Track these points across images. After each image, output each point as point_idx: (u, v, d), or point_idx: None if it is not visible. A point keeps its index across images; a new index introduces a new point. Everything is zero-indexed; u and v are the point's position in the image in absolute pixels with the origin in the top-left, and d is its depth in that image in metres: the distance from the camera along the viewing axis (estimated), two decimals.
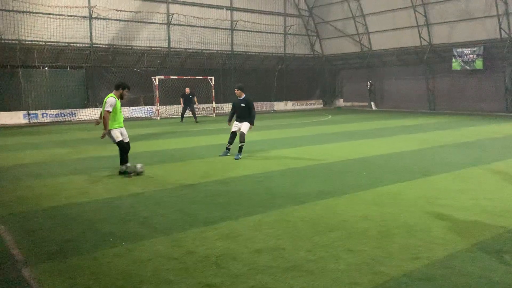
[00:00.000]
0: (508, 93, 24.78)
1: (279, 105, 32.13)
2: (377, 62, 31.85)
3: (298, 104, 33.30)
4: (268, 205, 6.25)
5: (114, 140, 8.63)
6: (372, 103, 31.98)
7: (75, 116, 23.31)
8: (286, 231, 5.10)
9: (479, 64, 25.22)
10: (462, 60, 26.03)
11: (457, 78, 27.04)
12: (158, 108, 24.75)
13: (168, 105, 25.86)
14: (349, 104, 35.19)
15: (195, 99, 21.99)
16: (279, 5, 32.52)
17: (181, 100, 21.82)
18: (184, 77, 25.24)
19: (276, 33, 32.31)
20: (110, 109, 8.39)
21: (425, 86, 28.60)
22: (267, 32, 31.59)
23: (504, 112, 24.63)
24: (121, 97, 8.71)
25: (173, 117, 25.12)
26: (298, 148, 12.21)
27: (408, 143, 12.95)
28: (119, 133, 8.66)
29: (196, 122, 21.52)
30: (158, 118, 24.43)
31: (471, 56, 25.65)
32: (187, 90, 21.59)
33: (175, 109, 25.80)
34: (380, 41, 30.80)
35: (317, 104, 34.50)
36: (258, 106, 30.72)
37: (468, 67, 25.73)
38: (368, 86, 31.89)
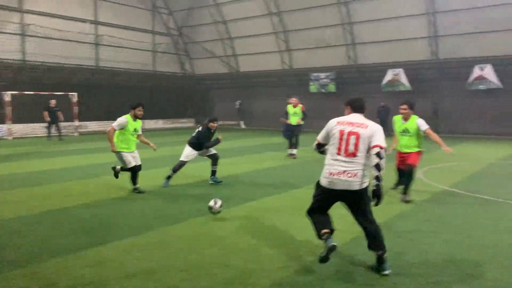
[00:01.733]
0: None
1: (150, 123, 31.32)
2: (245, 83, 33.32)
3: (170, 123, 32.97)
4: (141, 227, 6.06)
5: (124, 165, 8.32)
6: (241, 122, 33.26)
7: None
8: (159, 253, 5.01)
9: (332, 87, 28.15)
10: (318, 84, 28.76)
11: (315, 100, 29.69)
12: (10, 126, 22.19)
13: (23, 123, 23.36)
14: (220, 122, 35.83)
15: (60, 113, 20.23)
16: (148, 23, 32.08)
17: (46, 114, 19.77)
18: (42, 92, 23.10)
19: (146, 50, 31.73)
20: (116, 126, 8.12)
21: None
22: (136, 49, 30.81)
23: None
24: (136, 117, 8.30)
25: (28, 137, 22.76)
26: (167, 168, 12.05)
27: (275, 160, 13.75)
28: (131, 157, 8.27)
29: (61, 140, 19.82)
30: (11, 138, 21.89)
31: (325, 80, 28.52)
32: (53, 102, 19.69)
33: (31, 128, 23.42)
34: (247, 63, 32.36)
35: (189, 123, 34.58)
36: None
37: (323, 90, 28.49)
38: (238, 106, 33.13)
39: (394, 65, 25.73)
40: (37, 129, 23.46)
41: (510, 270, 4.53)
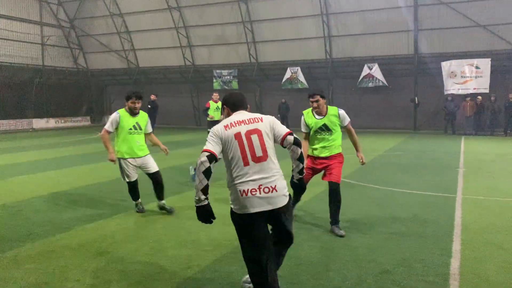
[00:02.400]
0: (257, 110, 28.75)
1: (39, 123, 28.89)
2: (145, 79, 32.22)
3: (63, 121, 30.66)
4: (27, 238, 5.53)
5: (122, 178, 6.70)
6: None
7: None
8: (50, 263, 4.61)
9: (235, 84, 28.48)
10: (222, 81, 28.90)
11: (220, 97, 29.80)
12: None
13: None
14: None
15: None
16: (35, 13, 29.43)
17: None
18: None
19: (32, 42, 29.09)
20: (107, 126, 6.47)
21: (191, 104, 30.48)
22: (21, 41, 28.10)
23: None
24: (131, 111, 6.53)
25: None
26: (64, 169, 11.24)
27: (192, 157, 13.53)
28: (132, 168, 6.60)
29: None
30: None
31: (228, 77, 28.76)
32: None
33: None
34: (147, 58, 31.33)
35: (84, 121, 32.48)
36: (12, 124, 26.94)
37: (226, 87, 28.70)
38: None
39: (293, 63, 26.83)
40: None
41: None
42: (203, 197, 3.23)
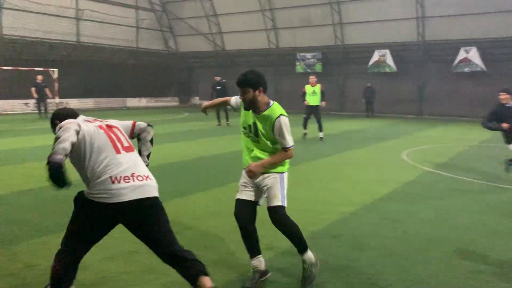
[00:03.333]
0: (340, 94, 28.04)
1: (133, 101, 30.90)
2: (230, 62, 32.90)
3: (153, 101, 32.50)
4: None
5: None
6: None
7: None
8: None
9: (319, 67, 27.99)
10: (305, 64, 28.56)
11: (301, 80, 29.50)
12: None
13: (2, 99, 22.74)
14: (205, 102, 35.60)
15: (48, 90, 19.47)
16: None
17: (33, 90, 18.99)
18: (21, 68, 22.42)
19: (128, 26, 30.95)
20: None
21: (273, 87, 30.57)
22: (118, 24, 30.04)
23: (337, 111, 27.78)
24: None
25: (8, 113, 22.17)
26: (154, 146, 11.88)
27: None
28: None
29: (47, 118, 19.13)
30: None
31: (312, 60, 28.32)
32: (39, 77, 18.88)
33: (10, 104, 22.81)
34: (233, 41, 31.87)
35: (173, 102, 34.14)
36: (109, 102, 29.07)
37: (309, 70, 28.30)
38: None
39: (381, 46, 25.66)
40: (17, 105, 22.88)
41: (493, 250, 4.56)
42: None
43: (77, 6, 27.63)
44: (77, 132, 2.86)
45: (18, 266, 3.99)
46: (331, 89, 28.36)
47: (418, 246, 4.67)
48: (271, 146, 3.66)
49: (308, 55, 28.44)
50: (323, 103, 13.45)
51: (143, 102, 31.67)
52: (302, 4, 27.72)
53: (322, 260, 4.12)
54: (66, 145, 2.72)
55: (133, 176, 3.01)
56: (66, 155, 2.73)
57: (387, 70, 25.34)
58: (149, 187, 3.08)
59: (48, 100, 20.45)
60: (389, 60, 25.33)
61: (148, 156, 3.48)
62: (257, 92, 3.58)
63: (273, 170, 3.73)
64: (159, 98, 33.02)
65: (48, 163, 2.67)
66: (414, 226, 5.32)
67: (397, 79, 25.27)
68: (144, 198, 3.02)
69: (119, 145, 3.09)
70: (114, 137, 3.11)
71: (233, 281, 3.84)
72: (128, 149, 3.14)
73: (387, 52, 25.37)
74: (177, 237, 3.17)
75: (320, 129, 13.33)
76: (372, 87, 24.29)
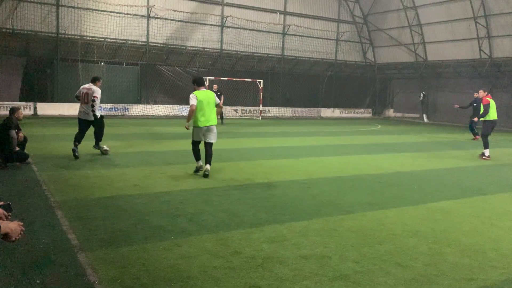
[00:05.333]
0: None
1: (326, 112, 31.82)
2: (431, 73, 30.84)
3: (346, 112, 32.82)
4: (314, 212, 6.20)
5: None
6: (424, 115, 30.96)
7: (128, 111, 24.17)
8: (332, 240, 5.03)
9: None
10: None
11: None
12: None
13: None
14: (399, 115, 34.27)
15: (222, 98, 21.36)
16: (333, 11, 32.23)
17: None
18: (234, 79, 25.54)
19: (328, 39, 32.02)
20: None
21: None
22: (319, 38, 31.37)
23: None
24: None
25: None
26: (345, 156, 12.03)
27: (461, 159, 12.42)
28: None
29: (222, 123, 20.24)
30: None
31: None
32: (215, 86, 20.99)
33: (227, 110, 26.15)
34: (436, 51, 29.79)
35: (365, 113, 33.84)
36: (305, 111, 30.55)
37: None
38: (421, 98, 30.89)
39: None
40: (229, 111, 26.11)
41: None
42: None
43: (284, 22, 29.96)
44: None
45: (227, 251, 4.56)
46: None
47: None
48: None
49: None
50: None
51: (336, 112, 32.26)
52: None
53: None
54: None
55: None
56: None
57: None
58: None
59: (250, 108, 22.56)
60: None
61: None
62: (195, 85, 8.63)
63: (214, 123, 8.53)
64: (352, 109, 33.15)
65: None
66: None
67: None
68: None
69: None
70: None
71: None
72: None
73: None
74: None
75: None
76: None
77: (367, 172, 9.68)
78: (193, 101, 8.18)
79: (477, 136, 15.32)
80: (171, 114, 24.77)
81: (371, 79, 34.32)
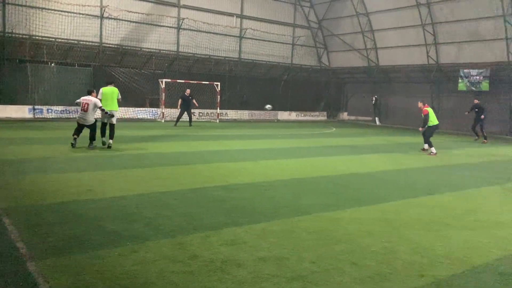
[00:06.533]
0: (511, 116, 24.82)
1: (283, 115, 32.19)
2: (383, 78, 31.95)
3: (302, 115, 33.34)
4: (272, 214, 6.25)
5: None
6: (377, 118, 32.01)
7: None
8: (290, 241, 5.10)
9: (485, 86, 25.26)
10: (469, 81, 26.10)
11: (462, 99, 27.08)
12: (164, 110, 24.80)
13: (174, 108, 25.92)
14: (353, 118, 35.25)
15: (194, 101, 21.74)
16: (289, 16, 32.70)
17: (179, 102, 21.45)
18: (191, 81, 25.29)
19: (284, 43, 32.43)
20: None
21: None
22: (276, 42, 31.71)
23: (508, 135, 24.62)
24: None
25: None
26: (302, 159, 12.23)
27: (412, 160, 12.95)
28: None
29: (190, 126, 21.24)
30: (163, 121, 24.47)
31: (477, 77, 25.73)
32: (188, 91, 21.31)
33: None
34: (387, 57, 30.91)
35: (321, 116, 34.54)
36: (262, 114, 30.74)
37: (474, 88, 25.78)
38: (373, 101, 31.94)
39: None
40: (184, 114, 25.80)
41: None
42: None
43: (241, 25, 30.05)
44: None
45: (185, 255, 4.52)
46: (498, 110, 25.38)
47: None
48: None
49: (473, 71, 25.91)
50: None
51: (292, 115, 32.71)
52: (468, 18, 25.43)
53: None
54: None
55: None
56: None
57: None
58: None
59: (207, 111, 22.47)
60: None
61: None
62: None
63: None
64: (307, 112, 33.71)
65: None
66: None
67: None
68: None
69: None
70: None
71: None
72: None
73: None
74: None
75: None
76: None
77: (323, 174, 9.89)
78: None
79: (485, 141, 19.04)
80: (125, 116, 24.19)
81: (326, 83, 35.08)
